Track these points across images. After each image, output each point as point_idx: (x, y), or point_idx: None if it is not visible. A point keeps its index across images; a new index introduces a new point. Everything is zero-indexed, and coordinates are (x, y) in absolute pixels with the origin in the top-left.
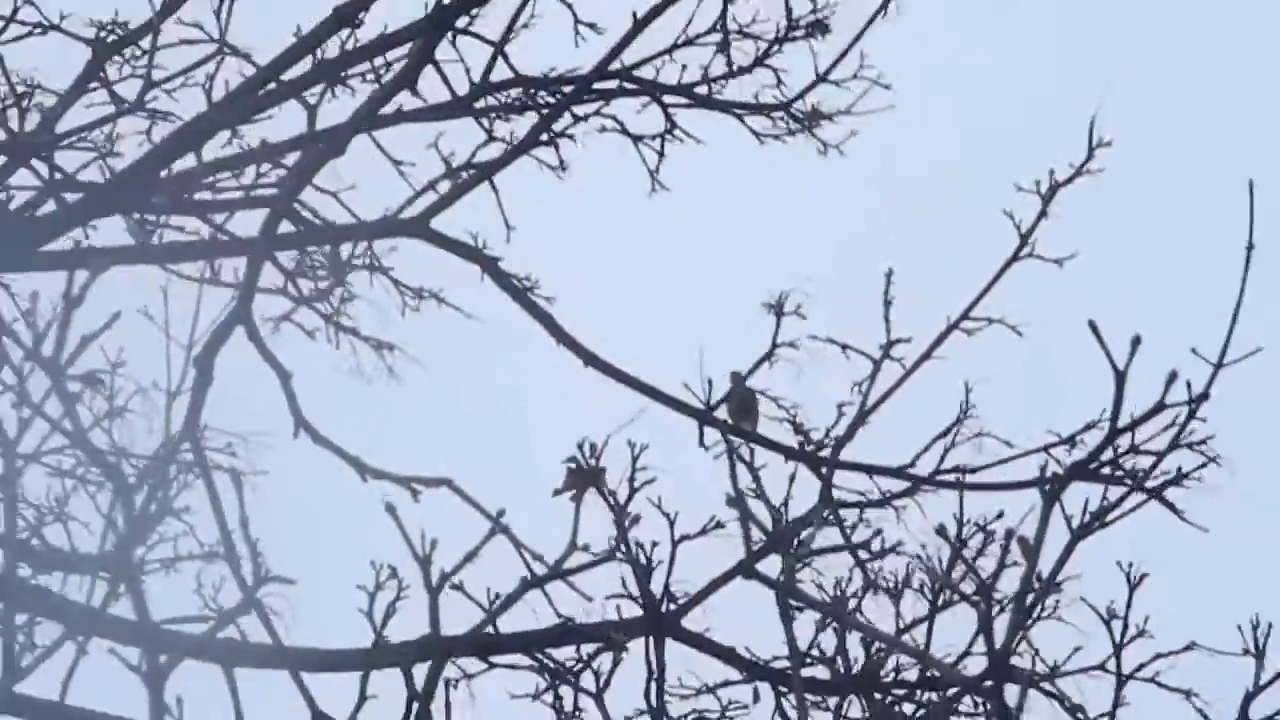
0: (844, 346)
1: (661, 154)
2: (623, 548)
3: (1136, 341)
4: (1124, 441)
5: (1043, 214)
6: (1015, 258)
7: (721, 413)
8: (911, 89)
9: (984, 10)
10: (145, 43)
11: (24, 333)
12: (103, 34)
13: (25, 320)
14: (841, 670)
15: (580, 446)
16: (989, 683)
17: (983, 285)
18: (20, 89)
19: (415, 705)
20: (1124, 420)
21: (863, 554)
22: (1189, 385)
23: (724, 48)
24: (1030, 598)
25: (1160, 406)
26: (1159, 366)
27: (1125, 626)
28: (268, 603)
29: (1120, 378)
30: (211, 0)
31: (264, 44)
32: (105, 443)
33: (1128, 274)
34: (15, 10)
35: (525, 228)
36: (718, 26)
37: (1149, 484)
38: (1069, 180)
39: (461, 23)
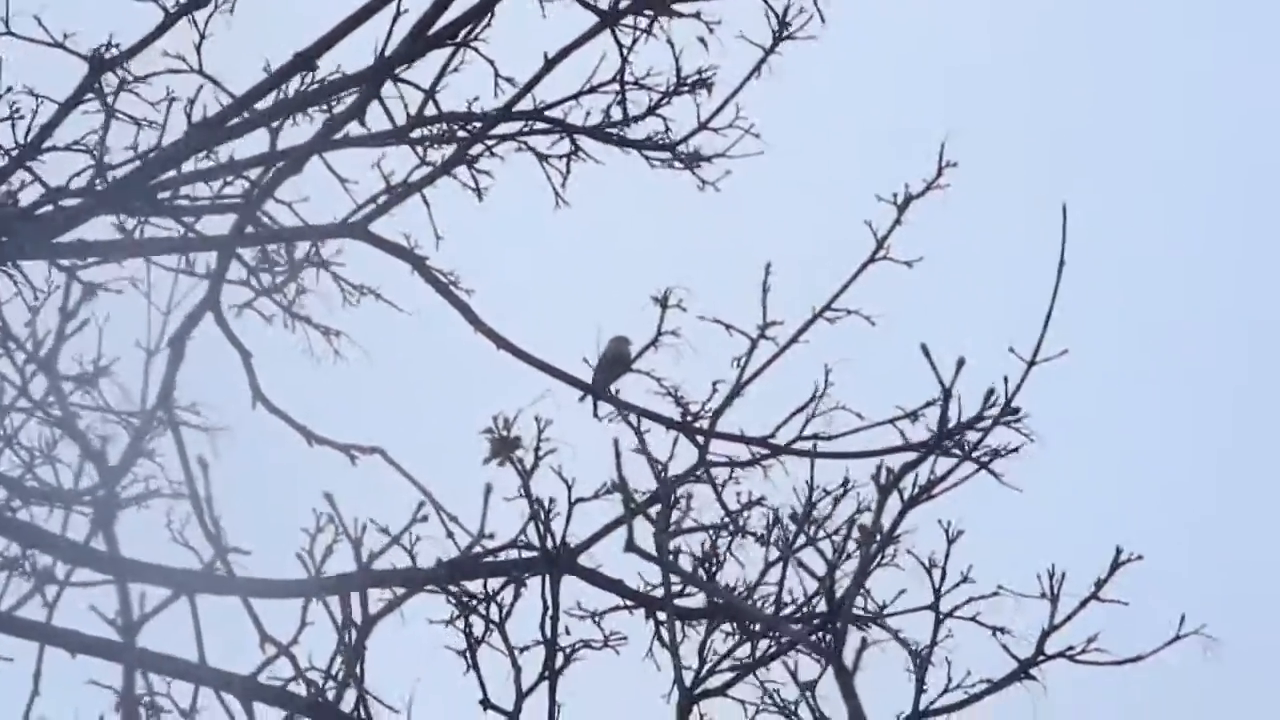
0: (727, 326)
1: (566, 174)
2: (530, 502)
3: (961, 363)
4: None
5: (897, 222)
6: (872, 259)
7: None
8: (784, 129)
9: (845, 64)
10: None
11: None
12: (99, 52)
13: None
14: (708, 601)
15: (494, 419)
16: (827, 622)
17: (843, 282)
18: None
19: (353, 629)
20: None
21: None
22: (1006, 380)
23: (621, 99)
24: (867, 558)
25: (978, 418)
26: (986, 359)
27: (944, 574)
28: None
29: (946, 393)
30: (193, 36)
31: (238, 67)
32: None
33: (968, 278)
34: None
35: (453, 235)
36: (616, 79)
37: (975, 456)
38: (921, 194)
39: (401, 70)
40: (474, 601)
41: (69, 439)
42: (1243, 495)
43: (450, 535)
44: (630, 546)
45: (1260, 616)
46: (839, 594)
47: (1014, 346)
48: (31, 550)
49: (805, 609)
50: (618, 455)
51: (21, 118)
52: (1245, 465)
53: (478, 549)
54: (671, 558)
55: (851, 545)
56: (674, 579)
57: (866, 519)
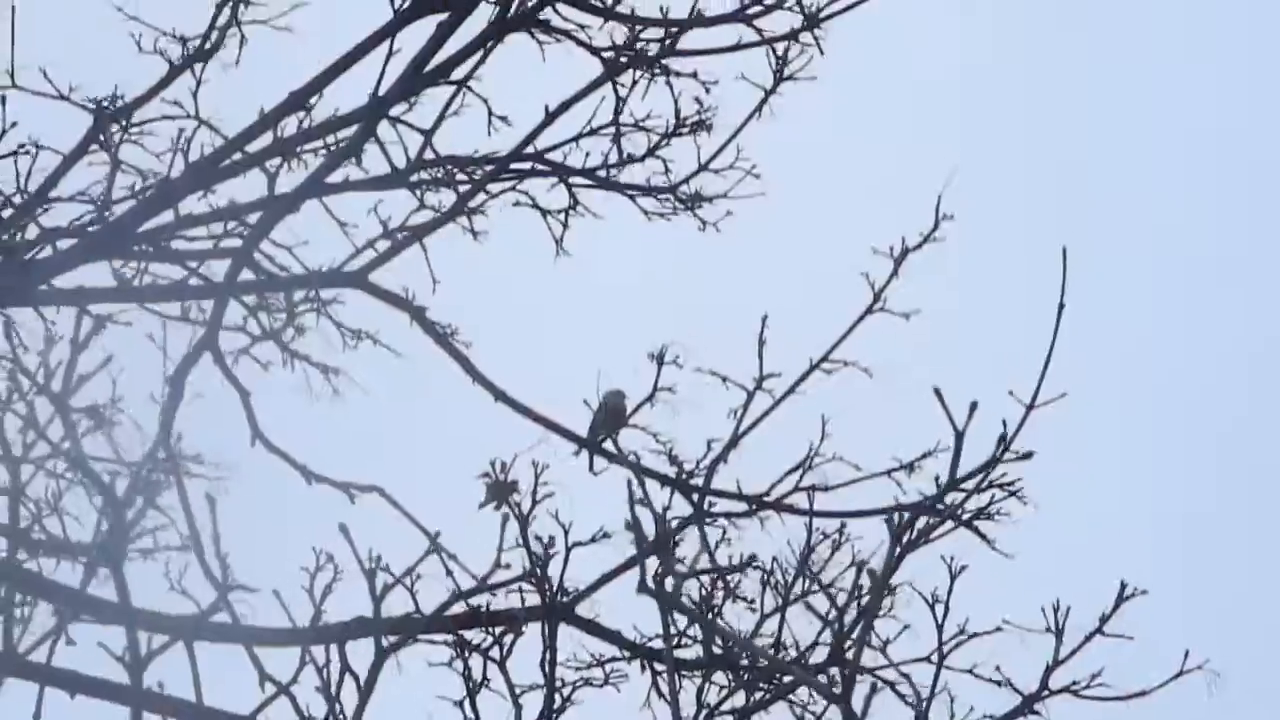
0: (724, 378)
1: (565, 225)
2: (526, 549)
3: (974, 406)
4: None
5: (894, 275)
6: (869, 311)
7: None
8: (782, 174)
9: (846, 110)
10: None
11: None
12: (103, 105)
13: (40, 358)
14: (706, 652)
15: (492, 464)
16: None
17: (840, 334)
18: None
19: (356, 677)
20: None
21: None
22: (1004, 424)
23: (617, 140)
24: (868, 605)
25: (993, 461)
26: (987, 404)
27: (947, 610)
28: (236, 607)
29: (959, 437)
30: (190, 83)
31: (233, 113)
32: (99, 451)
33: (966, 327)
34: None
35: (449, 283)
36: (614, 121)
37: (968, 518)
38: (918, 246)
39: (398, 111)
40: (474, 645)
41: (80, 479)
42: (1247, 528)
43: (450, 574)
44: (643, 588)
45: (1264, 651)
46: (844, 638)
47: (1013, 390)
48: (34, 598)
49: (805, 656)
50: (631, 495)
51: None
52: (1248, 498)
53: (477, 596)
54: (673, 605)
55: (858, 591)
56: (673, 629)
57: (873, 563)
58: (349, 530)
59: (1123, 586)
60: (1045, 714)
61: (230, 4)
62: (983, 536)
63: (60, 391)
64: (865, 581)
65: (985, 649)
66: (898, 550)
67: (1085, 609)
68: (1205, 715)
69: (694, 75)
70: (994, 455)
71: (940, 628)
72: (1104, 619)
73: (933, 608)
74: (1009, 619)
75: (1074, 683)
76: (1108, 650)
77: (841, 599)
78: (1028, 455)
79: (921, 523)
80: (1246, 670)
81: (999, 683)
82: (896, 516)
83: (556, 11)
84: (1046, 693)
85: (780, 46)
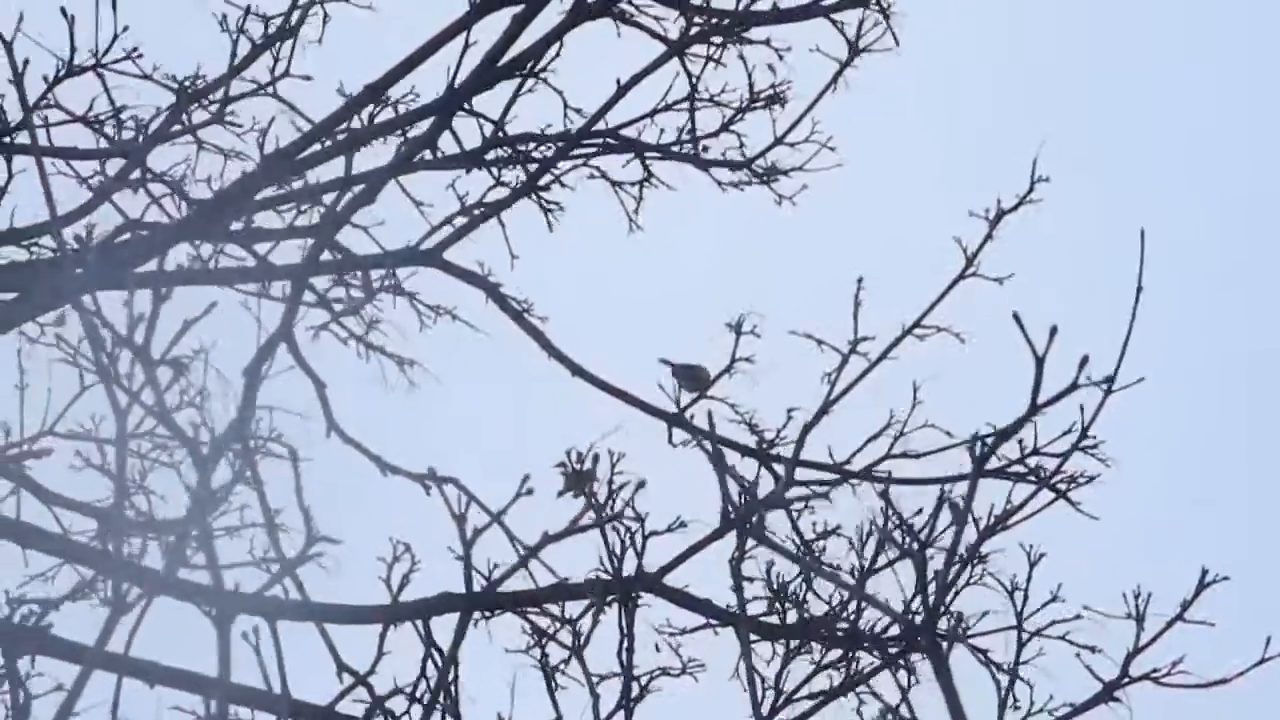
0: (819, 341)
1: (640, 199)
2: (604, 540)
3: (1054, 331)
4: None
5: (988, 237)
6: (962, 276)
7: (683, 396)
8: (860, 145)
9: (924, 73)
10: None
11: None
12: (185, 84)
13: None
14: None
15: (568, 454)
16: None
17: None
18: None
19: (436, 651)
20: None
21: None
22: (1082, 409)
23: (692, 115)
24: (954, 569)
25: (1073, 386)
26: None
27: (1026, 596)
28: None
29: (1040, 362)
30: (275, 67)
31: (315, 93)
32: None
33: (1057, 297)
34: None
35: (525, 262)
36: (688, 98)
37: (1053, 482)
38: (1014, 209)
39: (472, 100)
40: (552, 629)
41: (171, 443)
42: None
43: (524, 565)
44: (734, 565)
45: None
46: (928, 609)
47: (1091, 375)
48: (113, 579)
49: (885, 631)
50: (719, 470)
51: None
52: None
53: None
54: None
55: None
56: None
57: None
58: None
59: (1204, 573)
60: (1126, 701)
61: None
62: (1069, 500)
63: (143, 345)
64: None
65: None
66: (979, 533)
67: (1167, 595)
68: None
69: (767, 43)
70: (1071, 384)
71: (1019, 614)
72: (1185, 605)
73: (1011, 595)
74: (1089, 607)
75: (1155, 670)
76: (1189, 637)
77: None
78: (1092, 439)
79: (1006, 490)
80: None
81: (1083, 650)
82: (979, 445)
83: (631, 3)
84: (1127, 680)
85: (854, 20)
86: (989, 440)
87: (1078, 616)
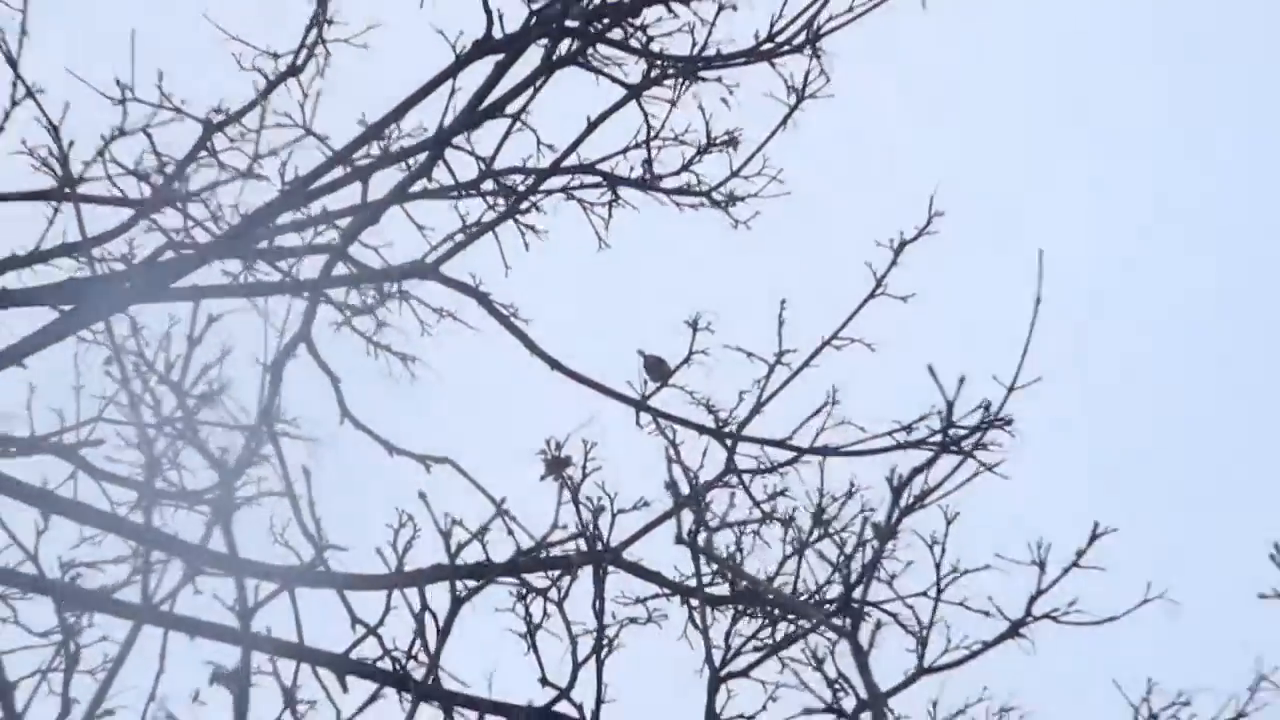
0: (749, 354)
1: (608, 219)
2: (578, 512)
3: (962, 380)
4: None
5: (893, 263)
6: (872, 295)
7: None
8: (802, 175)
9: (856, 120)
10: (248, 120)
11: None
12: (212, 115)
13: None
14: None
15: (548, 442)
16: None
17: (847, 315)
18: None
19: (435, 615)
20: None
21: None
22: (989, 404)
23: (647, 159)
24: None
25: (980, 427)
26: (977, 374)
27: (944, 550)
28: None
29: (949, 406)
30: (297, 95)
31: (325, 122)
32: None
33: (956, 312)
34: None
35: (512, 276)
36: (651, 135)
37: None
38: (914, 239)
39: (460, 140)
40: (535, 589)
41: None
42: (1201, 477)
43: (512, 534)
44: (679, 540)
45: (1215, 580)
46: (853, 581)
47: (996, 374)
48: (166, 554)
49: (819, 595)
50: (669, 458)
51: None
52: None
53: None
54: (705, 551)
55: (865, 538)
56: (706, 569)
57: (877, 517)
58: (427, 496)
59: (1095, 525)
60: (1030, 637)
61: (316, 25)
62: (981, 462)
63: (179, 378)
64: (869, 533)
65: (978, 583)
66: (902, 508)
67: (1064, 544)
68: (1165, 637)
69: (719, 80)
70: (976, 425)
71: (938, 565)
72: (1080, 553)
73: (931, 548)
74: (999, 554)
75: (1054, 610)
76: (1083, 581)
77: (850, 546)
78: (1005, 419)
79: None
80: (1200, 598)
81: (987, 613)
82: (895, 476)
83: (597, 51)
84: (1030, 619)
85: (798, 74)
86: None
87: (987, 566)
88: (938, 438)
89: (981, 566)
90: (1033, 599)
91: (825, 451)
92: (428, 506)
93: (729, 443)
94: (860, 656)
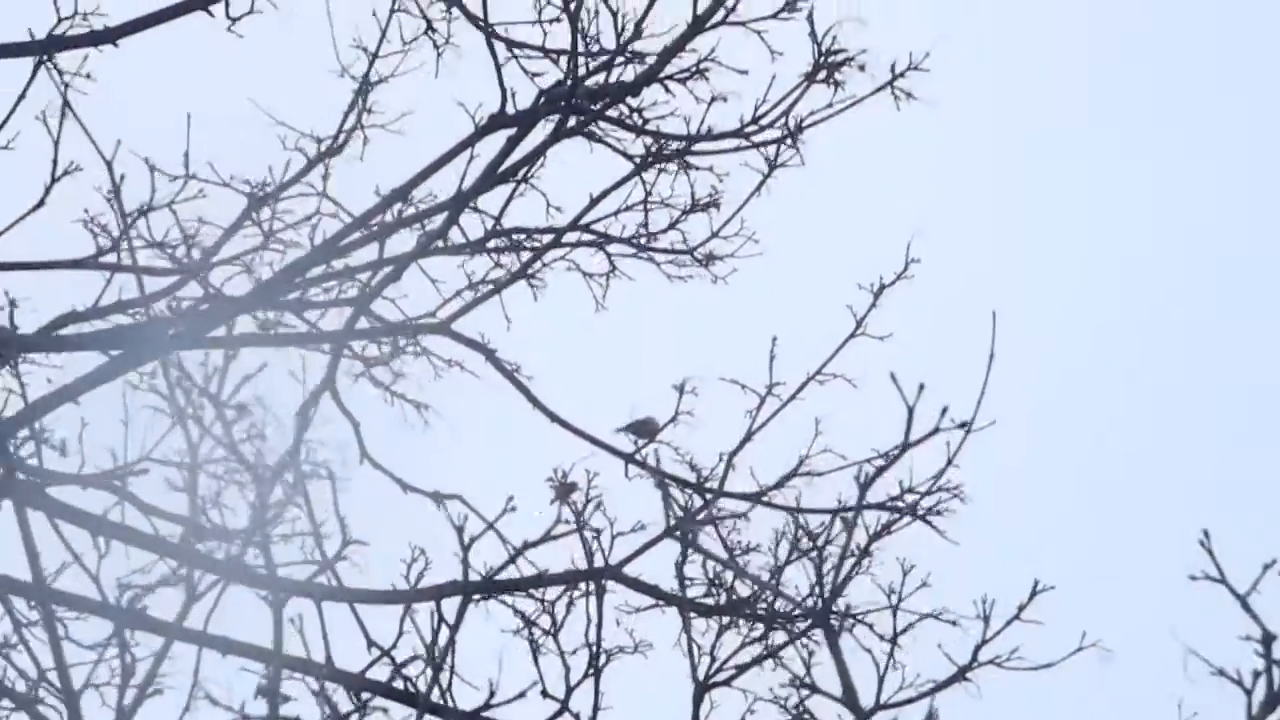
0: (743, 385)
1: (606, 287)
2: (581, 534)
3: (921, 388)
4: (905, 478)
5: (873, 305)
6: (853, 335)
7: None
8: (776, 234)
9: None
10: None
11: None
12: (254, 190)
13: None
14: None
15: (555, 471)
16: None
17: (829, 353)
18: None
19: (445, 627)
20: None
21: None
22: (949, 444)
23: (645, 219)
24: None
25: (935, 430)
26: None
27: (900, 598)
28: (351, 558)
29: (910, 411)
30: (321, 169)
31: (356, 193)
32: (250, 452)
33: (927, 354)
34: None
35: (517, 332)
36: (644, 202)
37: (920, 512)
38: (891, 284)
39: (476, 202)
40: (536, 614)
41: (241, 470)
42: (1131, 533)
43: (514, 561)
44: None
45: (1147, 629)
46: (824, 598)
47: (953, 419)
48: (194, 570)
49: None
50: (665, 497)
51: (195, 241)
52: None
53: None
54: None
55: (836, 559)
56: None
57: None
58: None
59: (1035, 583)
60: (975, 681)
61: (356, 112)
62: (931, 525)
63: (216, 393)
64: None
65: (929, 629)
66: (865, 541)
67: (1007, 599)
68: (1099, 682)
69: (710, 169)
70: (934, 429)
71: (895, 610)
72: (1021, 607)
73: (889, 596)
74: (948, 609)
75: (997, 656)
76: (1024, 632)
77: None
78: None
79: (884, 519)
80: (1131, 645)
81: (944, 651)
82: (863, 474)
83: (599, 127)
84: (976, 664)
85: (771, 150)
86: (872, 469)
87: (938, 615)
88: (897, 503)
89: (932, 614)
90: (978, 647)
91: (790, 509)
92: (447, 515)
93: (708, 497)
94: (837, 654)
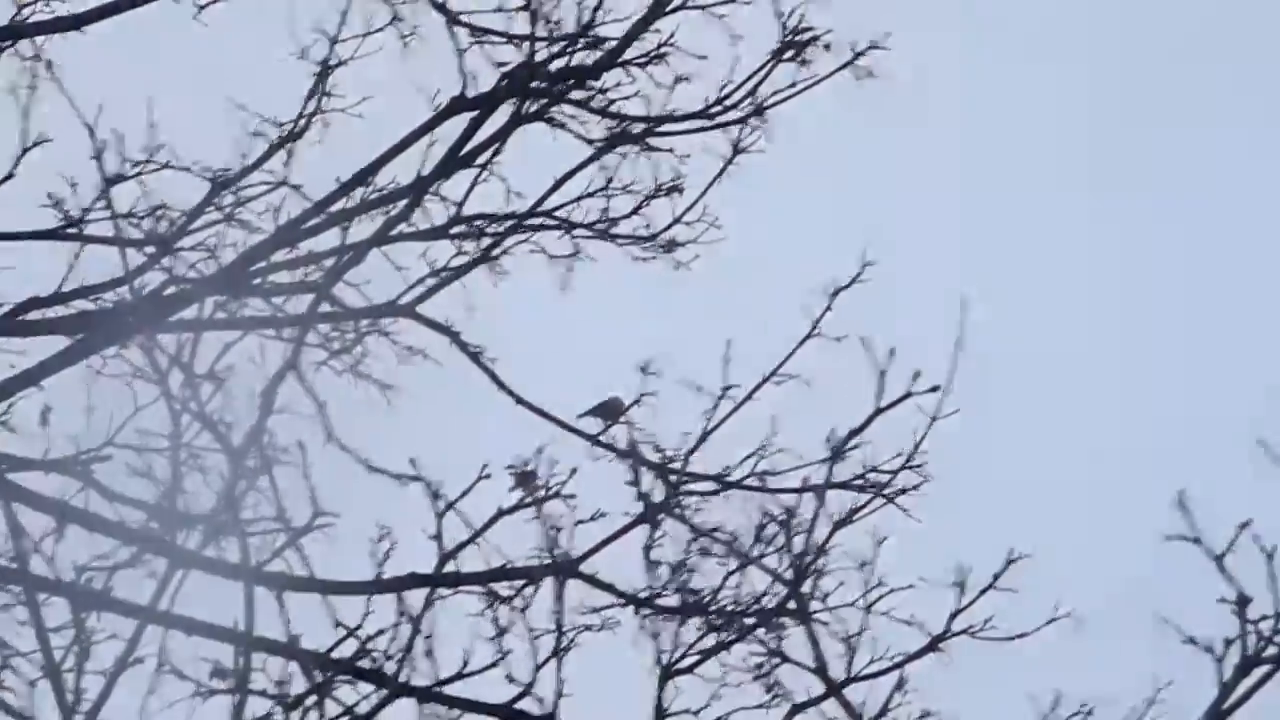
0: (698, 387)
1: (570, 270)
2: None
3: (892, 351)
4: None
5: (828, 308)
6: (809, 336)
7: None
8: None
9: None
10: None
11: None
12: (216, 175)
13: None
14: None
15: (516, 460)
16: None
17: (785, 354)
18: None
19: (409, 619)
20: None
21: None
22: (915, 431)
23: (606, 206)
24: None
25: (906, 395)
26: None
27: (874, 569)
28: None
29: (881, 375)
30: (283, 156)
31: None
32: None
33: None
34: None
35: (482, 315)
36: (606, 186)
37: (886, 492)
38: (846, 287)
39: (437, 186)
40: (503, 597)
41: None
42: (1108, 504)
43: (476, 544)
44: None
45: (1118, 599)
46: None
47: (920, 405)
48: (153, 556)
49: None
50: (636, 479)
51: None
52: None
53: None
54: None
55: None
56: (657, 579)
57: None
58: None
59: (1010, 551)
60: (948, 651)
61: (316, 96)
62: (900, 507)
63: (188, 362)
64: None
65: (901, 602)
66: (831, 525)
67: (982, 568)
68: (1072, 651)
69: (671, 151)
70: (905, 394)
71: (866, 583)
72: (995, 576)
73: (861, 569)
74: (923, 577)
75: (971, 626)
76: (998, 601)
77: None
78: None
79: (852, 500)
80: (1103, 615)
81: (909, 622)
82: (833, 436)
83: (560, 111)
84: (949, 634)
85: (734, 131)
86: (842, 439)
87: (911, 586)
88: (860, 481)
89: (906, 586)
90: (952, 616)
91: (755, 489)
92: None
93: (673, 478)
94: (812, 635)
